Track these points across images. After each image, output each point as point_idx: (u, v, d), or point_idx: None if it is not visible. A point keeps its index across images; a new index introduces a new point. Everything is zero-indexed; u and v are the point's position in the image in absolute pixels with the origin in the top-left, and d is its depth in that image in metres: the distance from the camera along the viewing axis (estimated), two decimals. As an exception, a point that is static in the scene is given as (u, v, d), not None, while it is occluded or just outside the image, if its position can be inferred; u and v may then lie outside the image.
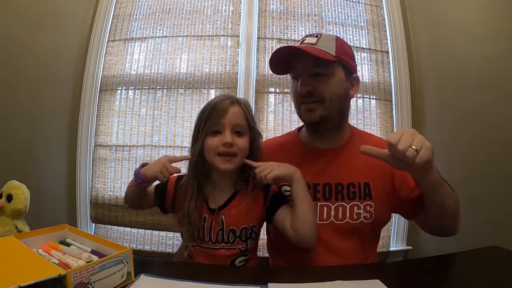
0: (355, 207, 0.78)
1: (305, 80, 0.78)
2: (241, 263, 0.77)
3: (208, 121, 0.73)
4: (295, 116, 1.65)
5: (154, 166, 0.72)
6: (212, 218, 0.75)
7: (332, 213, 0.78)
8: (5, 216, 0.90)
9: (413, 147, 0.56)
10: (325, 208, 0.78)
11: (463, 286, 0.58)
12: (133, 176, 0.76)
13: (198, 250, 0.76)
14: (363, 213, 0.78)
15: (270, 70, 0.85)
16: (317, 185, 0.80)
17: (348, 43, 0.88)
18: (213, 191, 0.78)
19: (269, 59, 0.82)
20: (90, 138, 1.72)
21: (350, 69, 0.82)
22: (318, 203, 0.79)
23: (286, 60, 0.82)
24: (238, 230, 0.75)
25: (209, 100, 0.78)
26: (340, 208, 0.78)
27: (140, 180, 0.73)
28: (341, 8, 1.75)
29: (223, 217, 0.75)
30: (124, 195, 0.83)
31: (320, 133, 0.84)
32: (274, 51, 0.81)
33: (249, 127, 0.75)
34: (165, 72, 1.72)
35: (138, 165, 0.76)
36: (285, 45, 0.89)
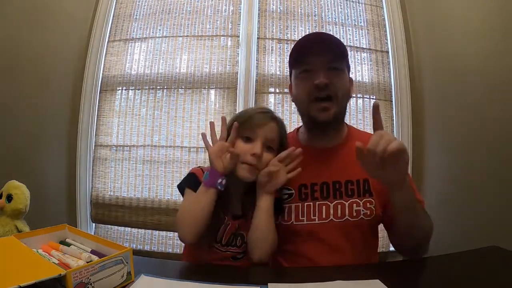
0: (354, 204, 0.77)
1: (323, 72, 0.77)
2: (241, 255, 0.77)
3: (244, 124, 0.72)
4: (295, 116, 1.66)
5: (216, 158, 0.69)
6: (229, 223, 0.76)
7: (331, 211, 0.78)
8: (5, 216, 0.91)
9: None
10: (324, 207, 0.78)
11: (463, 286, 0.58)
12: (201, 186, 0.69)
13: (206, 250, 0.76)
14: (363, 210, 0.77)
15: (289, 58, 0.84)
16: (315, 184, 0.80)
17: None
18: (231, 197, 0.77)
19: (295, 46, 0.81)
20: (90, 138, 1.72)
21: (349, 68, 0.84)
22: (317, 203, 0.79)
23: (298, 54, 0.82)
24: (246, 235, 0.76)
25: (246, 109, 0.79)
26: (339, 206, 0.78)
27: (213, 181, 0.68)
28: (341, 8, 1.75)
29: (238, 223, 0.76)
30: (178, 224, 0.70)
31: (325, 131, 0.83)
32: (302, 37, 0.81)
33: (279, 145, 0.76)
34: (165, 72, 1.72)
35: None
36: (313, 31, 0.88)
